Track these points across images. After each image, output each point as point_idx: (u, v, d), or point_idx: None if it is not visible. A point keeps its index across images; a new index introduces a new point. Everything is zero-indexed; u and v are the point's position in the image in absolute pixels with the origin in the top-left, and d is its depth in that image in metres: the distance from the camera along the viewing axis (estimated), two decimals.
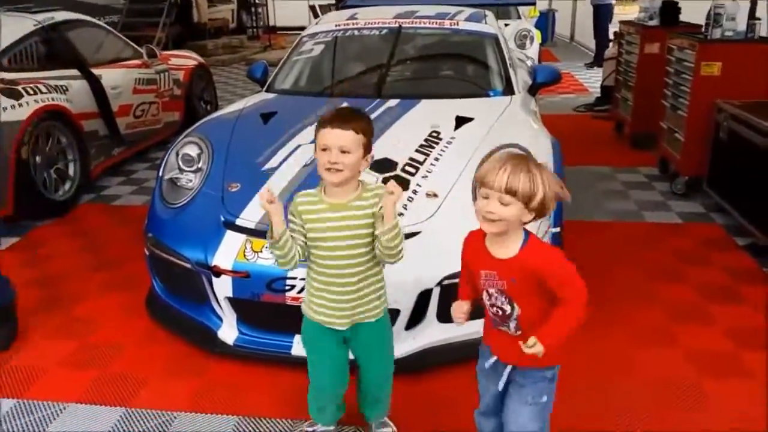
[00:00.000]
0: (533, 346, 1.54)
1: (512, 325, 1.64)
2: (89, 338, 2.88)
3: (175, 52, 7.05)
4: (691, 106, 4.40)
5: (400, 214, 2.52)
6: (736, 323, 2.87)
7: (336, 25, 4.22)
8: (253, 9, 16.12)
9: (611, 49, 7.66)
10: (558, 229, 2.87)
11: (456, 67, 4.07)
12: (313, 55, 4.16)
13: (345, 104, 3.44)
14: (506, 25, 9.23)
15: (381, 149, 2.92)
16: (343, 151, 1.78)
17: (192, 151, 3.09)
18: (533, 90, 3.99)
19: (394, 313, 2.48)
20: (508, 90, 3.75)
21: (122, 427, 2.29)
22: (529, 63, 8.49)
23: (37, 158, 4.24)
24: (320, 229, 1.84)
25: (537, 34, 9.16)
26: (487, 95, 3.69)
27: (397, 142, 2.99)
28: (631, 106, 5.83)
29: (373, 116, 3.25)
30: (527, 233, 1.59)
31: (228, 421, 2.31)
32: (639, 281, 3.29)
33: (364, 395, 2.14)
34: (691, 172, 4.44)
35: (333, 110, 1.88)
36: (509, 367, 1.70)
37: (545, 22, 13.03)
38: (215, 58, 12.29)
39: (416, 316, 2.52)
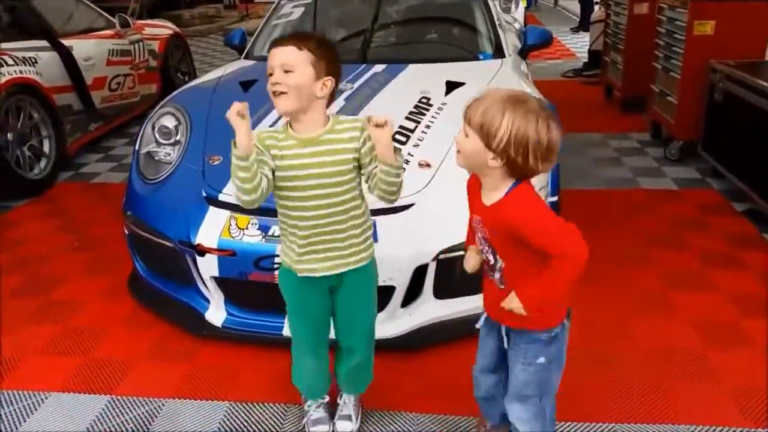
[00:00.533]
0: (510, 302, 1.49)
1: (497, 276, 1.57)
2: (71, 323, 2.75)
3: (150, 21, 6.81)
4: (684, 68, 4.29)
5: None
6: (737, 290, 2.81)
7: None
8: None
9: (598, 12, 7.51)
10: (555, 198, 2.79)
11: (443, 30, 3.91)
12: (292, 19, 3.98)
13: None
14: None
15: None
16: (286, 71, 1.62)
17: (169, 122, 2.93)
18: (524, 53, 3.85)
19: (388, 290, 2.38)
20: (499, 53, 3.61)
21: (108, 416, 2.18)
22: (516, 26, 8.37)
23: (9, 135, 4.06)
24: (291, 167, 1.67)
25: None
26: (477, 58, 3.55)
27: (385, 109, 2.85)
28: (620, 69, 5.70)
29: (359, 82, 3.15)
30: (517, 183, 1.46)
31: (219, 407, 2.21)
32: (637, 249, 3.21)
33: (344, 358, 2.01)
34: (685, 136, 4.35)
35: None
36: (504, 326, 1.62)
37: None
38: (192, 28, 11.95)
39: (412, 293, 2.41)
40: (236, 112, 1.57)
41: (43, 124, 4.40)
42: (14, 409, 2.23)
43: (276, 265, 2.32)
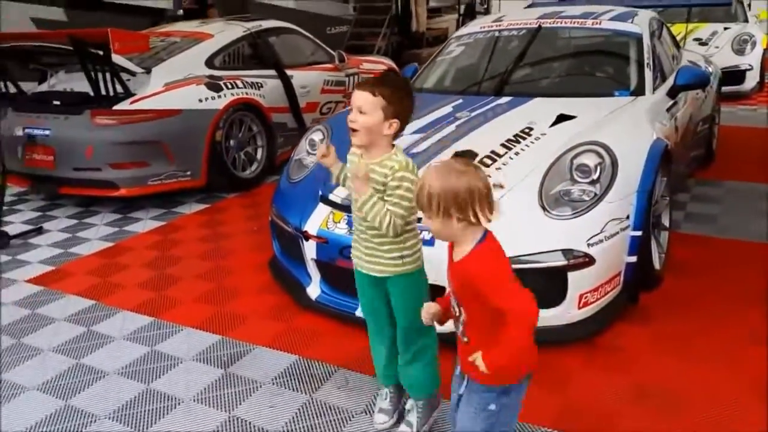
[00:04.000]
0: (475, 361, 1.59)
1: (460, 329, 1.71)
2: (223, 282, 3.56)
3: (369, 57, 7.79)
4: None
5: None
6: None
7: (481, 27, 4.45)
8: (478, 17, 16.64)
9: None
10: (639, 233, 2.80)
11: (584, 67, 4.03)
12: (453, 57, 4.44)
13: (459, 101, 3.71)
14: (726, 28, 8.46)
15: (469, 142, 3.15)
16: (361, 112, 1.97)
17: (316, 137, 3.61)
18: (673, 92, 3.78)
19: (439, 290, 2.69)
20: (638, 91, 3.63)
21: (213, 350, 2.86)
22: (744, 67, 7.74)
23: (231, 142, 5.18)
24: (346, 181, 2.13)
25: (763, 39, 8.22)
26: (611, 95, 3.62)
27: (487, 136, 3.16)
28: None
29: (477, 111, 3.48)
30: (483, 238, 1.60)
31: (288, 358, 2.76)
32: (739, 305, 3.00)
33: (400, 358, 2.22)
34: None
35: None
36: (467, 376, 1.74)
37: None
38: None
39: None
40: (320, 154, 2.13)
41: (260, 136, 5.49)
42: (159, 333, 3.04)
43: None
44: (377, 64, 7.44)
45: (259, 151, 5.51)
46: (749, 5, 9.16)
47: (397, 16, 12.83)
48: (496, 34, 4.32)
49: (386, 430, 2.29)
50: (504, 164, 2.94)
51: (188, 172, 4.92)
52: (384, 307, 2.20)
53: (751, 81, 8.08)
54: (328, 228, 2.94)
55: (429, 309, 1.84)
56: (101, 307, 3.33)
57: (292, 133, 5.92)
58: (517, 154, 3.00)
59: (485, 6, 16.72)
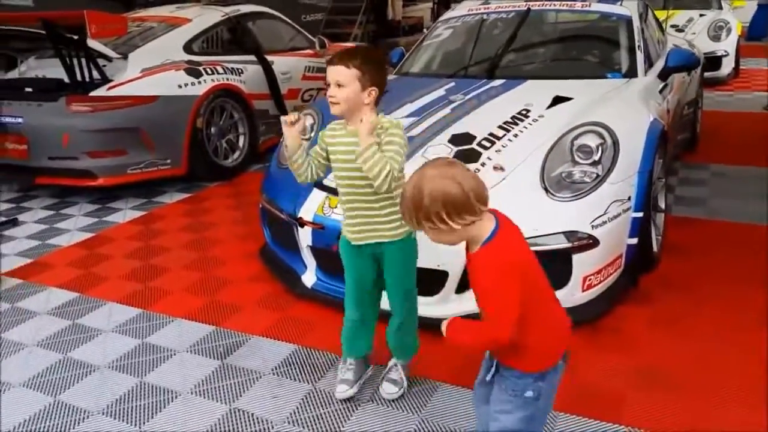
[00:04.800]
0: (442, 324, 1.58)
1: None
2: (212, 272, 3.45)
3: (350, 44, 7.68)
4: None
5: None
6: None
7: (468, 10, 4.39)
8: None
9: None
10: (640, 214, 2.78)
11: (575, 49, 4.01)
12: (441, 40, 4.37)
13: (452, 84, 3.65)
14: (701, 15, 8.55)
15: (465, 125, 3.09)
16: (339, 85, 2.01)
17: (307, 121, 3.50)
18: (664, 74, 3.77)
19: (443, 275, 2.65)
20: (630, 73, 3.61)
21: (207, 341, 2.76)
22: (720, 53, 7.83)
23: (212, 129, 5.03)
24: (335, 152, 2.12)
25: (737, 26, 8.33)
26: (604, 77, 3.59)
27: (483, 118, 3.11)
28: None
29: (471, 94, 3.42)
30: (489, 238, 1.50)
31: (288, 347, 2.68)
32: (737, 285, 3.01)
33: (390, 320, 2.28)
34: None
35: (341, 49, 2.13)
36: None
37: (764, 16, 11.62)
38: None
39: (466, 282, 2.64)
40: (287, 122, 2.09)
41: (241, 123, 5.35)
42: (149, 325, 2.93)
43: None
44: None
45: (241, 139, 5.38)
46: None
47: (373, 3, 12.70)
48: (485, 17, 4.27)
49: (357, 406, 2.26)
50: (503, 146, 2.89)
51: (168, 161, 4.78)
52: (371, 277, 2.23)
53: (727, 67, 8.17)
54: (324, 214, 2.86)
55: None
56: (85, 299, 3.20)
57: (273, 121, 5.79)
58: (515, 136, 2.95)
59: None
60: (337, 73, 2.01)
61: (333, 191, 2.87)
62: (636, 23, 3.90)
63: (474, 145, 2.91)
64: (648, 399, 2.25)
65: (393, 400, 2.31)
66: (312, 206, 2.92)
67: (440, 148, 2.92)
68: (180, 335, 2.82)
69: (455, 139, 2.94)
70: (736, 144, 5.37)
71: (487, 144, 2.90)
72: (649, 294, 2.95)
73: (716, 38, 8.12)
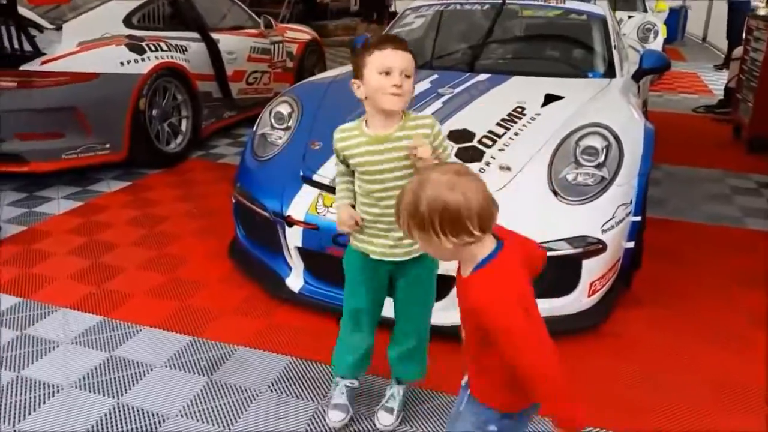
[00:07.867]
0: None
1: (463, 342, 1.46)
2: (175, 273, 3.12)
3: (292, 25, 7.34)
4: None
5: None
6: None
7: None
8: None
9: (739, 50, 7.11)
10: (638, 218, 2.76)
11: (555, 46, 3.97)
12: (412, 29, 4.21)
13: (435, 76, 3.49)
14: (630, 17, 8.86)
15: (461, 120, 2.95)
16: (407, 75, 1.71)
17: (284, 109, 3.23)
18: (638, 76, 3.80)
19: (450, 280, 2.50)
20: (609, 73, 3.61)
21: (186, 353, 2.48)
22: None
23: (154, 111, 4.60)
24: (362, 163, 1.80)
25: (662, 29, 8.69)
26: (586, 76, 3.57)
27: (479, 114, 2.98)
28: (750, 107, 5.39)
29: (460, 88, 3.29)
30: (490, 258, 1.29)
31: (281, 360, 2.44)
32: (723, 286, 3.08)
33: (397, 340, 2.06)
34: None
35: (382, 35, 1.85)
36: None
37: (676, 20, 12.30)
38: (333, 38, 12.61)
39: None
40: (349, 225, 1.89)
41: (184, 106, 4.94)
42: (114, 335, 2.59)
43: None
44: (300, 32, 7.01)
45: (184, 123, 4.97)
46: None
47: None
48: (457, 7, 4.14)
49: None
50: (506, 145, 2.77)
51: (108, 145, 4.32)
52: (383, 295, 2.03)
53: None
54: (318, 213, 2.63)
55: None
56: (32, 304, 2.80)
57: (216, 104, 5.42)
58: (516, 134, 2.84)
59: None
60: (409, 61, 1.71)
61: (327, 188, 2.67)
62: (611, 22, 3.91)
63: (475, 143, 2.77)
64: (655, 401, 2.22)
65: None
66: (302, 204, 2.68)
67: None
68: (153, 347, 2.51)
69: (454, 135, 2.80)
70: (679, 143, 5.56)
71: (489, 142, 2.78)
72: (639, 296, 2.94)
73: (644, 40, 8.44)
